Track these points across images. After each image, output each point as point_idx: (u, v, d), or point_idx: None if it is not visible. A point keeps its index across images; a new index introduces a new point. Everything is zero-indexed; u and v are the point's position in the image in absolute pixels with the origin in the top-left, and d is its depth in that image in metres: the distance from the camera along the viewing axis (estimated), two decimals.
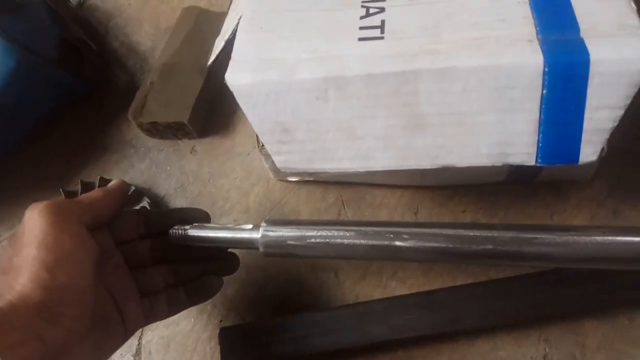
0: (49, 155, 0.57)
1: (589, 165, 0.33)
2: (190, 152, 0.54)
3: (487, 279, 0.42)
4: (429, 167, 0.35)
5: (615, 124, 0.31)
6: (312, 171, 0.37)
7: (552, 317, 0.40)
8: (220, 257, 0.42)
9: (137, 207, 0.50)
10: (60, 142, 0.57)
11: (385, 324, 0.40)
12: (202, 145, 0.54)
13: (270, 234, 0.36)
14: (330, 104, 0.34)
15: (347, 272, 0.45)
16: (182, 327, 0.46)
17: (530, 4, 0.33)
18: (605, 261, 0.32)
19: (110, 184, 0.38)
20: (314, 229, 0.36)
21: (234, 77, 0.35)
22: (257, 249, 0.37)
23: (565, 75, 0.30)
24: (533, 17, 0.33)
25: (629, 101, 0.31)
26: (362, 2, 0.37)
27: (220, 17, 0.44)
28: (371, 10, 0.36)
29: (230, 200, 0.51)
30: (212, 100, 0.55)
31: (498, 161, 0.34)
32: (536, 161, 0.33)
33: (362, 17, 0.36)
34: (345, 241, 0.35)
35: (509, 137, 0.33)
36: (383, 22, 0.35)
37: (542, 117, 0.32)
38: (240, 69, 0.35)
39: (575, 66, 0.30)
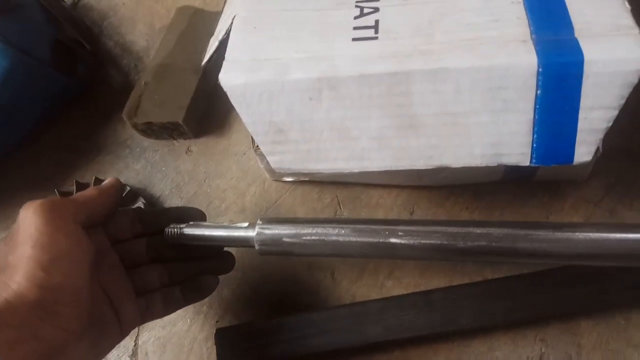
0: (43, 156, 0.57)
1: (584, 165, 0.33)
2: (186, 152, 0.54)
3: (484, 279, 0.42)
4: (423, 167, 0.34)
5: (610, 124, 0.31)
6: (306, 171, 0.37)
7: (549, 317, 0.40)
8: (216, 256, 0.42)
9: (133, 208, 0.50)
10: (54, 142, 0.57)
11: (381, 324, 0.40)
12: (197, 145, 0.54)
13: (266, 231, 0.36)
14: (324, 104, 0.34)
15: (344, 272, 0.45)
16: (179, 328, 0.46)
17: (524, 4, 0.33)
18: (599, 257, 0.32)
19: (104, 182, 0.38)
20: (310, 227, 0.36)
21: (227, 78, 0.35)
22: (253, 247, 0.37)
23: (560, 75, 0.30)
24: (527, 17, 0.33)
25: (623, 101, 0.31)
26: (356, 2, 0.37)
27: (215, 16, 0.43)
28: (365, 10, 0.36)
29: (226, 200, 0.51)
30: (207, 100, 0.55)
31: (492, 162, 0.34)
32: (531, 162, 0.33)
33: (356, 17, 0.36)
34: (341, 238, 0.35)
35: (503, 137, 0.33)
36: (377, 22, 0.35)
37: (536, 117, 0.32)
38: (234, 69, 0.35)
39: (569, 66, 0.30)
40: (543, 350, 0.40)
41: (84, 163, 0.55)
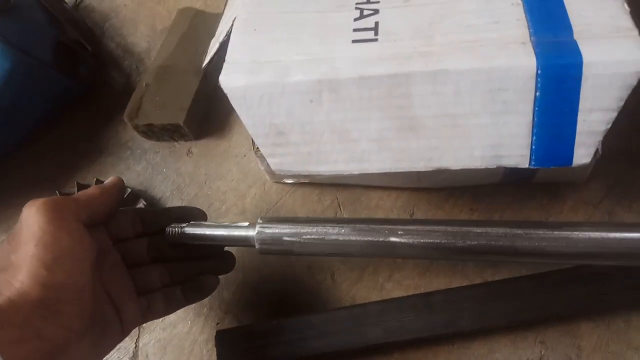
0: (44, 157, 0.57)
1: (583, 167, 0.33)
2: (187, 154, 0.54)
3: (484, 281, 0.42)
4: (422, 169, 0.35)
5: (609, 126, 0.31)
6: (306, 173, 0.37)
7: (549, 319, 0.40)
8: (216, 256, 0.42)
9: (134, 207, 0.50)
10: (56, 144, 0.57)
11: (381, 326, 0.40)
12: (198, 147, 0.54)
13: (266, 230, 0.36)
14: (324, 106, 0.34)
15: (344, 274, 0.45)
16: (179, 330, 0.46)
17: (523, 6, 0.33)
18: (599, 257, 0.32)
19: (106, 182, 0.38)
20: (310, 226, 0.36)
21: (227, 80, 0.35)
22: (253, 246, 0.37)
23: (559, 77, 0.30)
24: (526, 19, 0.33)
25: (622, 103, 0.31)
26: (356, 3, 0.37)
27: (216, 18, 0.43)
28: (365, 12, 0.36)
29: (226, 202, 0.51)
30: (208, 101, 0.55)
31: (492, 163, 0.34)
32: (530, 163, 0.33)
33: (356, 19, 0.36)
34: (341, 237, 0.35)
35: (502, 139, 0.33)
36: (377, 24, 0.35)
37: (535, 119, 0.32)
38: (234, 71, 0.35)
39: (568, 68, 0.30)
40: (543, 353, 0.40)
41: (86, 164, 0.55)
